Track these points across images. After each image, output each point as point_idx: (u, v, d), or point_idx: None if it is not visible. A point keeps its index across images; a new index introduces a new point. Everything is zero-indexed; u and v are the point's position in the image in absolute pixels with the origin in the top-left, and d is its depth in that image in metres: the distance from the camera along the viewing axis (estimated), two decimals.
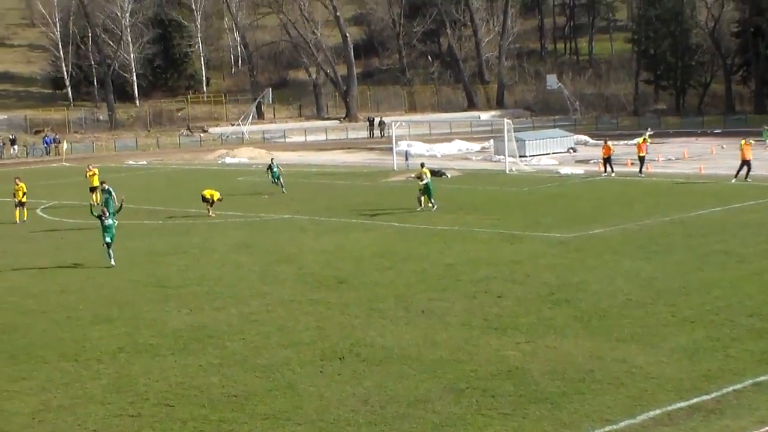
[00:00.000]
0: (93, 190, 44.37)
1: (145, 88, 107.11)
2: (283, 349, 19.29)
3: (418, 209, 38.34)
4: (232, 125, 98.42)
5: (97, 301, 24.45)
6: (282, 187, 46.69)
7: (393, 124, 66.24)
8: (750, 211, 35.37)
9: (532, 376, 16.65)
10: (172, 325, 21.58)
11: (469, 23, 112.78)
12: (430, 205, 38.46)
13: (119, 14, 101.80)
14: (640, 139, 50.95)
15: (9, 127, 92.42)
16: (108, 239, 29.21)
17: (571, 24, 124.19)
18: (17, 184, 40.72)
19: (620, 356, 17.69)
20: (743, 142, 45.63)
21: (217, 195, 39.92)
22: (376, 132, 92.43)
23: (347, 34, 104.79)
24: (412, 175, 45.61)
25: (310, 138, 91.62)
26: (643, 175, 47.98)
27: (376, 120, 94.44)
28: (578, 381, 16.27)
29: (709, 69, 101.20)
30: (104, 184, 38.66)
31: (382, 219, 36.81)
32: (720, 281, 23.65)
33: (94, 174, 45.35)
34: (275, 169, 47.19)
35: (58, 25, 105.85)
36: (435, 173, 52.41)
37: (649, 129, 60.01)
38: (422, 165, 40.91)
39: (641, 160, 48.97)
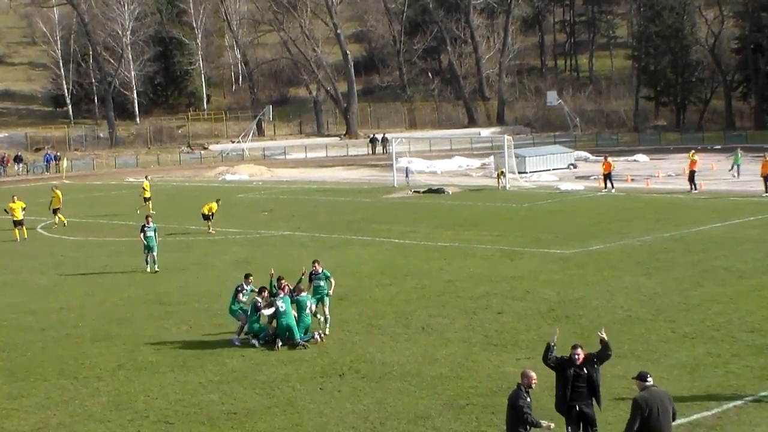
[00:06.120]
0: (55, 212, 44.30)
1: (146, 106, 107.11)
2: (282, 365, 19.27)
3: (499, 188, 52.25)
4: (233, 142, 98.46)
5: (96, 318, 24.44)
6: None
7: (393, 140, 66.27)
8: (749, 226, 35.36)
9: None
10: (171, 342, 21.56)
11: (469, 40, 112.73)
12: (503, 186, 51.40)
13: (120, 32, 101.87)
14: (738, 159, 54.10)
15: (10, 145, 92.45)
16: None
17: (572, 41, 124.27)
18: (14, 202, 40.40)
19: (620, 372, 17.65)
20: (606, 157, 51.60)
21: (215, 206, 39.87)
22: (378, 149, 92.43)
23: (348, 52, 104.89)
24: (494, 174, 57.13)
25: (311, 155, 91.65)
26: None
27: (378, 137, 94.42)
28: None
29: (709, 85, 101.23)
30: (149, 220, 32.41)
31: (382, 235, 36.79)
32: (720, 297, 23.63)
33: (57, 196, 44.59)
34: None
35: (59, 43, 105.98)
36: (435, 191, 52.66)
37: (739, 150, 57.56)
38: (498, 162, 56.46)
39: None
